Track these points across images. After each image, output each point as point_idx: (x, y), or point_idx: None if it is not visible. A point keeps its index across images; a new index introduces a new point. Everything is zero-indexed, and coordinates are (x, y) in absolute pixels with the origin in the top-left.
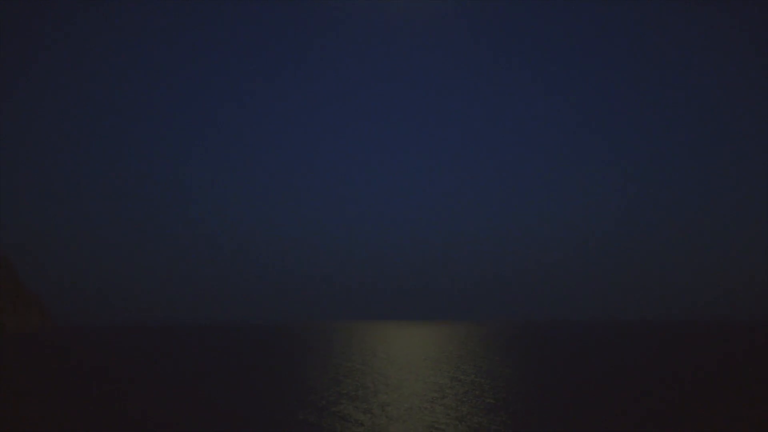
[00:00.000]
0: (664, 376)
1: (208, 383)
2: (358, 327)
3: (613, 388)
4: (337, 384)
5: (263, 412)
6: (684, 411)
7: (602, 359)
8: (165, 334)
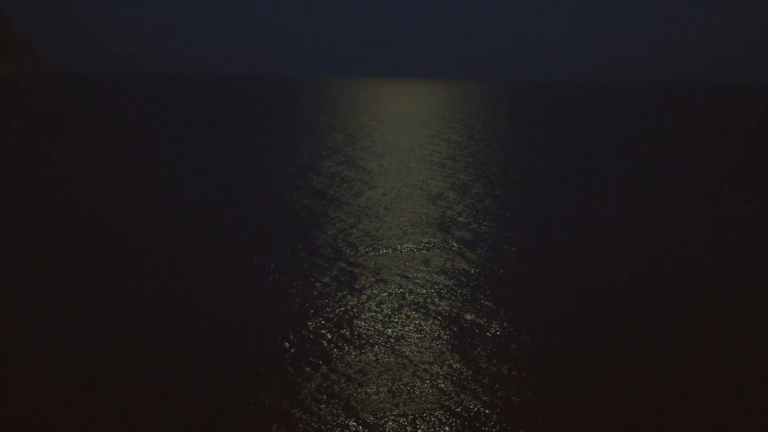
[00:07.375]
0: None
1: (201, 138)
2: (362, 83)
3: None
4: (354, 141)
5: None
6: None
7: (589, 121)
8: (162, 83)
